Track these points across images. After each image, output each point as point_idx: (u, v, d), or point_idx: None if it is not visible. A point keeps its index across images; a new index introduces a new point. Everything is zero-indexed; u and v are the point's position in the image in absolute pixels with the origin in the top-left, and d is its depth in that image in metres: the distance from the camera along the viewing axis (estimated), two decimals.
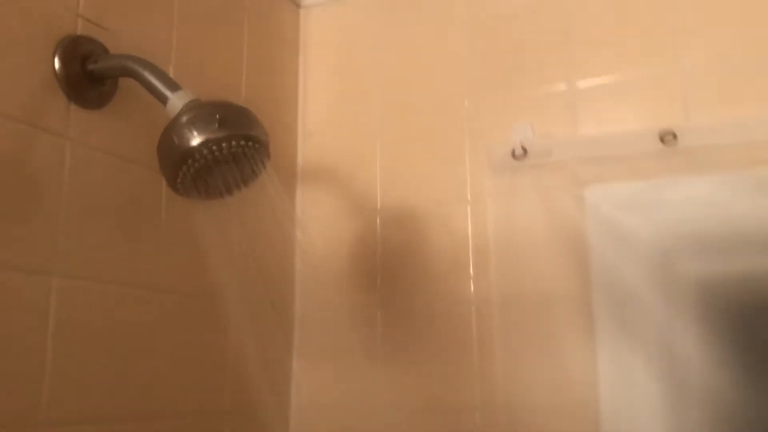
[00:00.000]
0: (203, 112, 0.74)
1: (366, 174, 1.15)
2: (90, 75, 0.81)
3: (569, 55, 1.05)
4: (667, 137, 0.95)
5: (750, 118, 0.92)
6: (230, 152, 0.73)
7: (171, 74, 0.83)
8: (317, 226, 1.17)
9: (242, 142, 0.73)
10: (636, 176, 0.96)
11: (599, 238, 0.97)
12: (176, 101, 0.76)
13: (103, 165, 0.83)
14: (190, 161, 0.73)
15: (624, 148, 0.97)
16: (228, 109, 0.75)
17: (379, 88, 1.17)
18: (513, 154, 1.03)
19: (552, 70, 1.06)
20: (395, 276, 1.11)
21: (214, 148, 0.72)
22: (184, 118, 0.73)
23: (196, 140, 0.72)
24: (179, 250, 0.94)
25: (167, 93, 0.76)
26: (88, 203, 0.81)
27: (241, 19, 1.13)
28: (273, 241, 1.14)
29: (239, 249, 1.01)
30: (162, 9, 0.96)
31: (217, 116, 0.73)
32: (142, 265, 0.88)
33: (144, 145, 0.85)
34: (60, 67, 0.78)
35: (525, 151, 1.03)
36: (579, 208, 0.99)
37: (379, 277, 1.12)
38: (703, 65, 0.96)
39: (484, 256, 1.05)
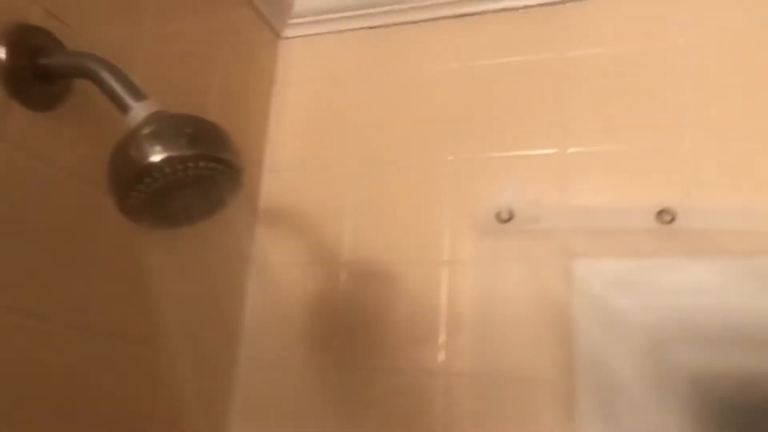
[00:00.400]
0: (170, 125, 0.63)
1: (334, 222, 1.05)
2: (40, 71, 0.70)
3: (564, 118, 0.99)
4: (665, 216, 0.89)
5: (753, 204, 0.87)
6: (197, 174, 0.62)
7: None
8: (274, 274, 1.06)
9: (212, 164, 0.63)
10: (630, 253, 0.90)
11: (586, 317, 0.89)
12: (139, 111, 0.65)
13: (40, 176, 0.71)
14: (147, 180, 0.61)
15: (618, 222, 0.91)
16: (200, 126, 0.65)
17: (358, 132, 1.09)
18: (499, 217, 0.95)
19: (545, 132, 0.99)
20: (356, 338, 1.00)
21: (179, 167, 0.61)
22: (147, 130, 0.62)
23: (158, 156, 0.61)
24: (117, 285, 0.81)
25: (130, 101, 0.66)
26: (16, 219, 0.68)
27: (218, 43, 1.04)
28: (223, 285, 1.02)
29: (186, 291, 0.88)
30: (134, 17, 0.86)
31: (187, 131, 0.62)
32: (70, 299, 0.75)
33: (93, 158, 0.73)
34: (5, 57, 0.67)
35: (512, 215, 0.95)
36: (566, 282, 0.91)
37: (338, 337, 1.00)
38: (707, 145, 0.91)
39: (457, 325, 0.95)
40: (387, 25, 1.11)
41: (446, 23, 1.08)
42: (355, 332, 1.00)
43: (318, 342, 1.01)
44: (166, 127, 0.63)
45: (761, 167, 0.88)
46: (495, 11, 1.06)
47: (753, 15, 0.93)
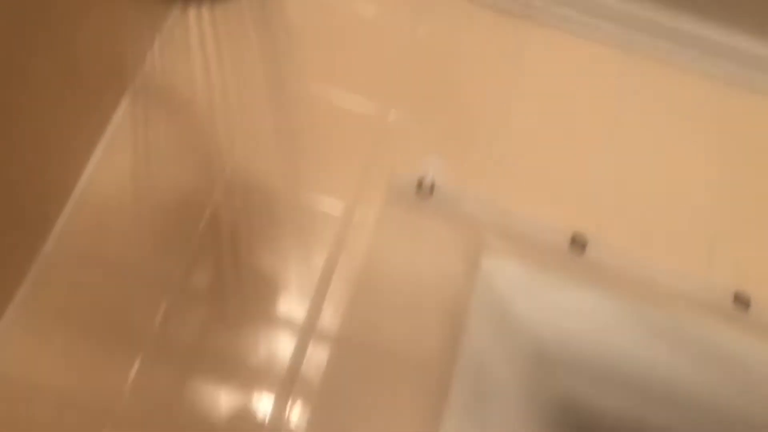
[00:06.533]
0: None
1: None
2: None
3: (511, 121, 0.96)
4: (578, 239, 0.88)
5: (657, 259, 0.89)
6: None
7: None
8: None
9: None
10: (537, 265, 0.86)
11: (480, 313, 0.83)
12: None
13: None
14: None
15: (534, 233, 0.88)
16: None
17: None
18: (419, 187, 0.88)
19: (489, 123, 0.95)
20: (222, 259, 0.83)
21: None
22: None
23: None
24: None
25: None
26: None
27: None
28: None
29: None
30: None
31: None
32: None
33: None
34: None
35: (433, 189, 0.88)
36: (470, 273, 0.85)
37: (196, 251, 0.83)
38: (631, 188, 0.94)
39: (338, 287, 0.83)
40: None
41: None
42: (226, 254, 0.83)
43: (170, 246, 0.83)
44: None
45: (671, 224, 0.92)
46: None
47: None
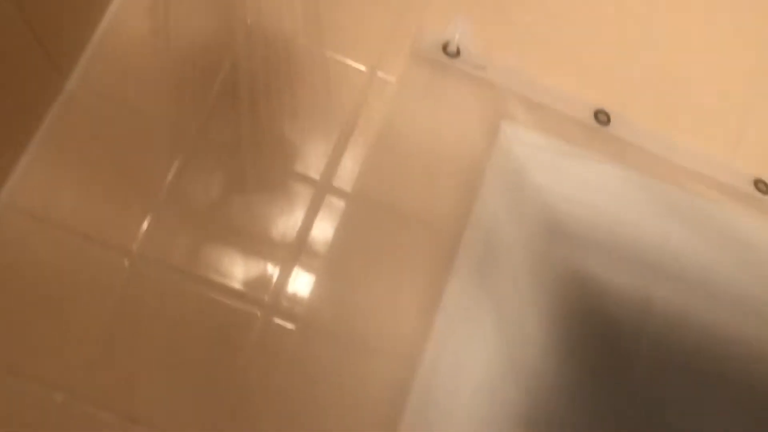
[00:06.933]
0: None
1: None
2: None
3: None
4: (601, 116, 0.86)
5: (678, 138, 0.88)
6: None
7: None
8: None
9: None
10: (558, 136, 0.85)
11: (496, 179, 0.82)
12: None
13: None
14: None
15: (558, 105, 0.86)
16: None
17: None
18: (445, 49, 0.86)
19: None
20: (240, 114, 0.83)
21: None
22: None
23: None
24: None
25: None
26: None
27: None
28: None
29: None
30: None
31: None
32: None
33: None
34: None
35: (459, 52, 0.86)
36: (489, 138, 0.84)
37: (213, 104, 0.82)
38: (660, 69, 0.91)
39: (357, 140, 0.83)
40: None
41: None
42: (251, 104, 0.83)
43: (192, 96, 0.82)
44: None
45: (699, 107, 0.90)
46: None
47: None
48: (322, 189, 0.81)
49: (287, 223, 0.80)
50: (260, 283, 0.78)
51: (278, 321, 0.77)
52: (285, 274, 0.78)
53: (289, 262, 0.79)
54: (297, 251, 0.79)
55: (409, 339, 0.77)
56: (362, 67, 0.86)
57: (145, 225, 0.77)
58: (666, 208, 0.84)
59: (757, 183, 0.87)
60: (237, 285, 0.77)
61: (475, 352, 0.77)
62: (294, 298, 0.78)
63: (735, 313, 0.84)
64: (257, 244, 0.79)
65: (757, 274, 0.85)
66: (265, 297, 0.77)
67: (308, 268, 0.79)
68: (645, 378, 0.79)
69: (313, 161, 0.82)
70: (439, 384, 0.75)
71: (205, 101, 0.83)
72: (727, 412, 0.82)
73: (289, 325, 0.77)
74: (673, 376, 0.80)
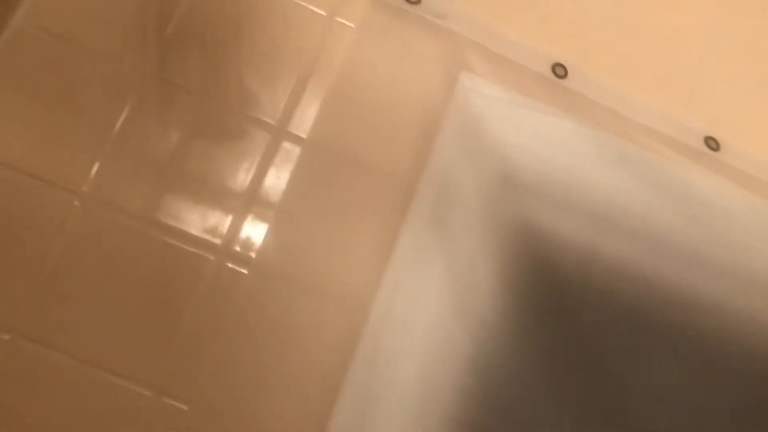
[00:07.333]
0: None
1: None
2: None
3: None
4: (559, 69, 0.87)
5: (634, 95, 0.89)
6: None
7: None
8: None
9: None
10: (515, 88, 0.86)
11: (453, 129, 0.83)
12: None
13: None
14: None
15: (517, 57, 0.86)
16: None
17: None
18: None
19: None
20: (192, 60, 0.81)
21: None
22: None
23: None
24: None
25: None
26: None
27: None
28: None
29: None
30: None
31: None
32: None
33: None
34: None
35: None
36: (448, 89, 0.84)
37: (165, 47, 0.81)
38: (620, 22, 0.91)
39: (315, 86, 0.82)
40: None
41: None
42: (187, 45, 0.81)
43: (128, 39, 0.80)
44: None
45: (655, 64, 0.91)
46: None
47: None
48: (278, 134, 0.80)
49: (242, 168, 0.79)
50: (214, 227, 0.77)
51: (231, 265, 0.77)
52: (239, 220, 0.78)
53: (243, 207, 0.78)
54: (252, 197, 0.79)
55: (361, 286, 0.78)
56: (322, 12, 0.84)
57: (96, 166, 0.76)
58: (618, 162, 0.85)
59: (708, 140, 0.89)
60: (190, 229, 0.77)
61: (426, 299, 0.78)
62: (248, 244, 0.78)
63: (680, 267, 0.87)
64: (211, 189, 0.78)
65: (703, 229, 0.87)
66: (219, 242, 0.77)
67: (262, 213, 0.78)
68: (590, 326, 0.81)
69: (269, 106, 0.81)
70: (390, 330, 0.76)
71: (160, 43, 0.81)
72: (668, 362, 0.85)
73: (243, 270, 0.77)
74: (618, 325, 0.82)
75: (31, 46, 0.78)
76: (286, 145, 0.80)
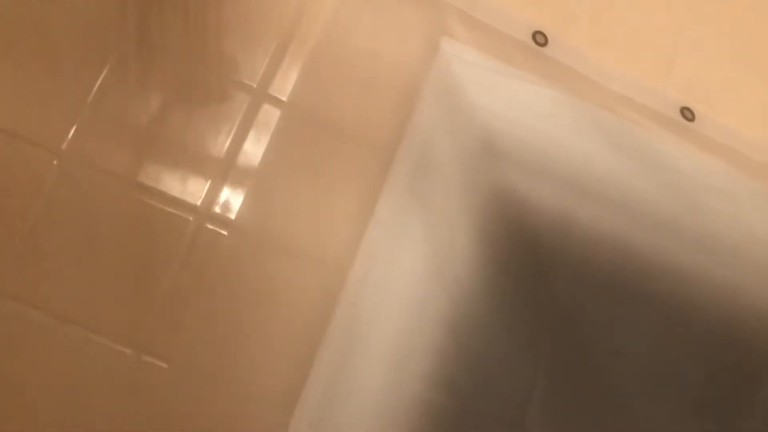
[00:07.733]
0: None
1: None
2: None
3: None
4: (539, 37, 0.88)
5: (615, 66, 0.90)
6: None
7: None
8: None
9: None
10: (496, 55, 0.86)
11: (433, 94, 0.83)
12: None
13: None
14: None
15: (499, 25, 0.87)
16: None
17: None
18: None
19: None
20: (173, 20, 0.81)
21: None
22: None
23: None
24: None
25: None
26: None
27: None
28: None
29: None
30: None
31: None
32: None
33: None
34: None
35: None
36: (429, 55, 0.84)
37: (152, 3, 0.80)
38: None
39: (300, 52, 0.82)
40: None
41: None
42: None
43: None
44: None
45: (634, 35, 0.92)
46: None
47: None
48: (259, 97, 0.81)
49: (222, 130, 0.79)
50: (193, 189, 0.77)
51: (211, 226, 0.77)
52: (219, 182, 0.78)
53: (223, 169, 0.78)
54: (232, 159, 0.79)
55: (340, 250, 0.79)
56: None
57: (75, 125, 0.76)
58: (595, 130, 0.86)
59: (684, 110, 0.91)
60: (169, 190, 0.77)
61: (404, 261, 0.79)
62: (227, 205, 0.78)
63: (655, 235, 0.88)
64: (191, 151, 0.78)
65: (678, 199, 0.88)
66: (198, 203, 0.77)
67: (242, 176, 0.79)
68: (566, 290, 0.83)
69: (249, 69, 0.81)
70: (368, 292, 0.77)
71: (140, 2, 0.81)
72: (642, 325, 0.87)
73: (223, 231, 0.77)
74: (593, 288, 0.84)
75: (8, 3, 0.78)
76: (267, 107, 0.80)
